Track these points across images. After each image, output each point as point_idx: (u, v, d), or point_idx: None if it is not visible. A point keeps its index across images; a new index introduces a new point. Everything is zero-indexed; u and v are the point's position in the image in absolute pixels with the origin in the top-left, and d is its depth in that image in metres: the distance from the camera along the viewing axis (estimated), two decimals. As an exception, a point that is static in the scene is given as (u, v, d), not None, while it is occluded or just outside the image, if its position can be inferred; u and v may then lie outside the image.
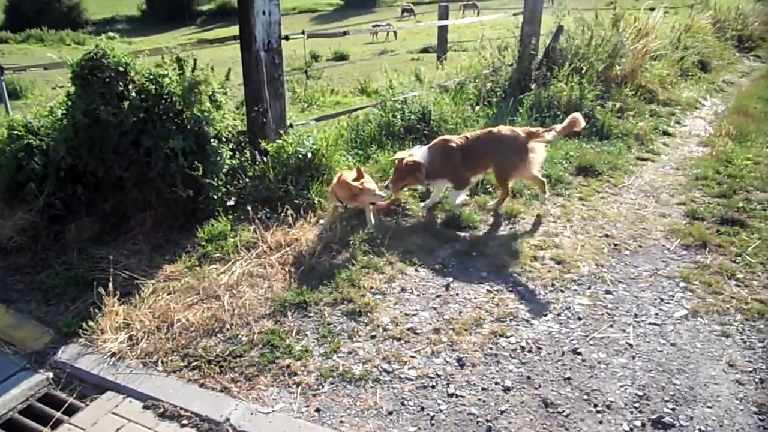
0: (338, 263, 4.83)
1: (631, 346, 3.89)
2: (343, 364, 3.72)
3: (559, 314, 4.25)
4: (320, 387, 3.55)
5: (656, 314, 4.24)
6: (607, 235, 5.44)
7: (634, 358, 3.78)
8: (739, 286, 4.60)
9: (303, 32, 7.99)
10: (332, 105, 11.45)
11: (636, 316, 4.22)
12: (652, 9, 11.63)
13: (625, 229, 5.57)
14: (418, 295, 4.47)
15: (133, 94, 5.05)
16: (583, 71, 9.15)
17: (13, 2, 58.05)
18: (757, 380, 3.57)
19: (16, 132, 5.53)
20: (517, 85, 9.00)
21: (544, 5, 10.22)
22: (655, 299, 4.42)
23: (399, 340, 3.94)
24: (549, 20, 10.26)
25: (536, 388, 3.52)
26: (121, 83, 5.05)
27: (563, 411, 3.34)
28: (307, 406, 3.41)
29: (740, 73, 14.57)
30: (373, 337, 3.98)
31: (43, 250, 5.17)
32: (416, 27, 27.22)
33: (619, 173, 7.00)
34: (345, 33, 8.85)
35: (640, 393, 3.47)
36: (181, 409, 3.41)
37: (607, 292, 4.53)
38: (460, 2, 39.25)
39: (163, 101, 5.15)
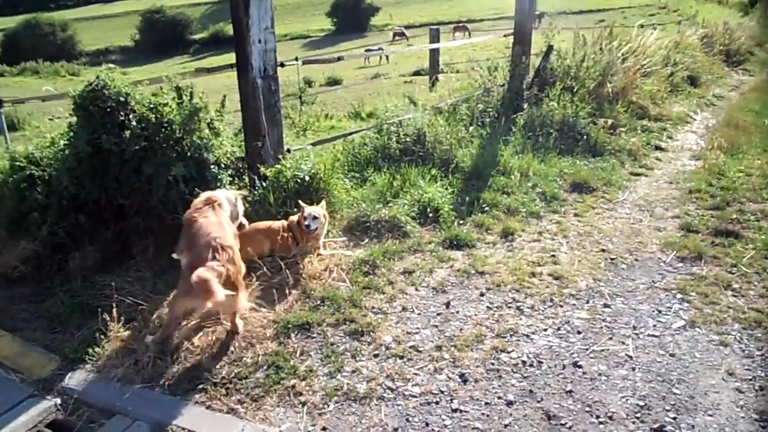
0: (339, 284, 4.89)
1: (630, 357, 3.95)
2: (347, 383, 3.76)
3: (558, 329, 4.31)
4: (326, 406, 3.59)
5: (654, 326, 4.30)
6: (603, 250, 5.51)
7: (634, 369, 3.83)
8: (735, 296, 4.67)
9: (297, 58, 8.09)
10: (327, 129, 11.53)
11: (635, 328, 4.29)
12: (642, 26, 11.81)
13: (621, 243, 5.65)
14: (419, 314, 4.52)
15: (134, 123, 5.13)
16: (575, 90, 9.29)
17: (9, 36, 58.53)
18: (756, 388, 3.62)
19: (18, 163, 5.59)
20: (509, 105, 9.12)
21: (533, 26, 10.39)
22: (653, 311, 4.49)
23: (402, 358, 4.00)
24: (539, 40, 10.42)
25: (539, 402, 3.57)
26: (122, 113, 5.14)
27: (566, 423, 3.39)
28: (314, 425, 3.45)
29: (729, 86, 14.79)
30: (376, 355, 4.04)
31: (47, 279, 5.21)
32: (408, 50, 27.45)
33: (613, 189, 7.10)
34: (339, 58, 8.99)
35: (641, 403, 3.52)
36: (189, 431, 3.45)
37: (606, 305, 4.60)
38: (451, 25, 39.70)
39: (164, 130, 5.23)
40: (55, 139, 5.65)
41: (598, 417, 3.43)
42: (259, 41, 5.64)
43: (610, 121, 8.97)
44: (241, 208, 4.96)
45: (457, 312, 4.54)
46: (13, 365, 4.19)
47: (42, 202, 5.26)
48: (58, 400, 3.85)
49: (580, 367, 3.88)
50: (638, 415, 3.43)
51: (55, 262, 5.27)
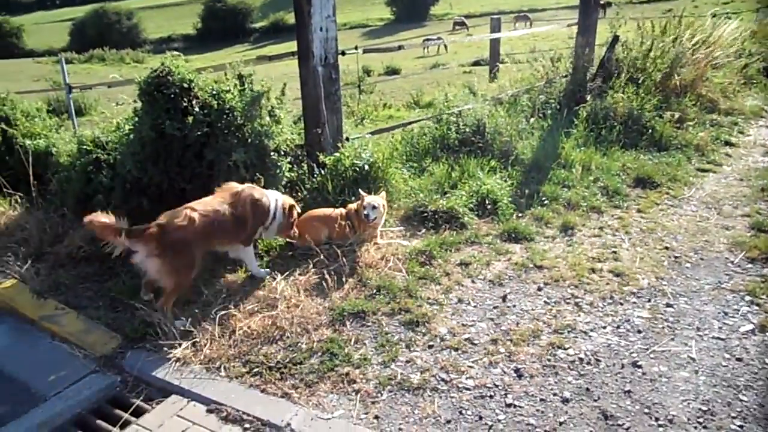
0: (395, 274, 4.88)
1: (693, 360, 3.81)
2: (401, 373, 3.75)
3: (618, 327, 4.19)
4: (379, 395, 3.59)
5: (720, 328, 4.13)
6: (667, 248, 5.34)
7: (697, 372, 3.70)
8: (810, 301, 4.45)
9: (357, 47, 8.08)
10: (385, 119, 11.55)
11: (698, 329, 4.14)
12: (715, 15, 11.32)
13: (685, 241, 5.47)
14: (475, 306, 4.48)
15: (197, 109, 5.21)
16: (640, 81, 9.02)
17: (77, 25, 60.59)
18: (832, 398, 3.44)
19: (85, 147, 5.79)
20: (572, 97, 8.93)
21: (598, 15, 10.12)
22: (719, 313, 4.32)
23: (456, 350, 3.96)
24: (604, 31, 10.14)
25: (595, 400, 3.49)
26: (185, 99, 5.22)
27: (623, 424, 3.30)
28: (366, 413, 3.45)
29: (812, 79, 13.99)
30: (430, 346, 4.01)
31: (111, 260, 5.35)
32: (468, 40, 27.17)
33: (679, 185, 6.87)
34: (400, 47, 8.92)
35: (704, 408, 3.39)
36: (244, 413, 3.50)
37: (668, 305, 4.45)
38: (512, 14, 39.10)
39: (225, 116, 5.30)
40: (120, 124, 5.82)
41: (657, 419, 3.32)
42: (321, 29, 5.65)
43: (677, 115, 8.66)
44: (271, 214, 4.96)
45: (514, 306, 4.47)
46: (78, 341, 4.35)
47: (107, 184, 5.42)
48: (119, 377, 3.98)
49: (639, 367, 3.76)
50: (701, 420, 3.31)
51: (118, 243, 5.42)
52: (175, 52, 5.87)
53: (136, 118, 5.44)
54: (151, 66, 5.51)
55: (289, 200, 5.10)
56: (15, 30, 61.71)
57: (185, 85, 5.29)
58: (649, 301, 4.52)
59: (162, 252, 4.23)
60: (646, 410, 3.39)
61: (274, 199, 4.97)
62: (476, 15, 49.41)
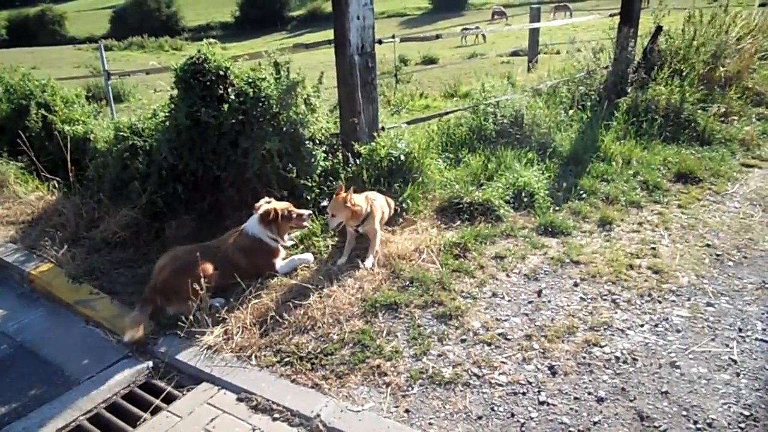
0: (429, 266, 4.83)
1: (735, 362, 3.69)
2: (432, 367, 3.71)
3: (656, 325, 4.08)
4: (410, 388, 3.56)
5: (764, 330, 3.99)
6: (708, 245, 5.19)
7: (738, 375, 3.58)
8: None
9: (394, 36, 8.02)
10: (422, 109, 11.47)
11: (740, 330, 4.00)
12: (763, 5, 10.96)
13: (728, 239, 5.31)
14: (509, 301, 4.41)
15: (232, 96, 5.22)
16: (684, 73, 8.79)
17: (119, 12, 61.61)
18: None
19: (121, 133, 5.84)
20: (612, 89, 8.73)
21: (641, 5, 9.86)
22: (763, 314, 4.18)
23: (489, 344, 3.90)
24: (646, 21, 9.89)
25: (631, 401, 3.40)
26: (221, 86, 5.24)
27: (659, 426, 3.21)
28: (397, 407, 3.42)
29: None
30: (463, 340, 3.96)
31: (145, 246, 5.43)
32: (506, 30, 26.87)
33: (722, 180, 6.67)
34: (437, 36, 8.81)
35: (746, 413, 3.27)
36: (273, 403, 3.50)
37: (709, 304, 4.32)
38: (552, 4, 38.51)
39: (261, 104, 5.30)
40: (156, 111, 5.86)
41: (695, 423, 3.22)
42: (358, 18, 5.60)
43: (722, 108, 8.41)
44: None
45: (549, 301, 4.39)
46: (111, 327, 4.41)
47: (142, 171, 5.48)
48: (151, 363, 4.02)
49: (677, 367, 3.66)
50: (742, 425, 3.20)
51: (152, 229, 5.50)
52: (212, 40, 5.89)
53: (172, 105, 5.47)
54: (189, 53, 5.54)
55: (266, 208, 4.84)
56: (57, 18, 63.10)
57: (221, 73, 5.31)
58: (689, 299, 4.39)
59: None
60: (684, 412, 3.30)
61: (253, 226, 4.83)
62: (515, 4, 48.89)
